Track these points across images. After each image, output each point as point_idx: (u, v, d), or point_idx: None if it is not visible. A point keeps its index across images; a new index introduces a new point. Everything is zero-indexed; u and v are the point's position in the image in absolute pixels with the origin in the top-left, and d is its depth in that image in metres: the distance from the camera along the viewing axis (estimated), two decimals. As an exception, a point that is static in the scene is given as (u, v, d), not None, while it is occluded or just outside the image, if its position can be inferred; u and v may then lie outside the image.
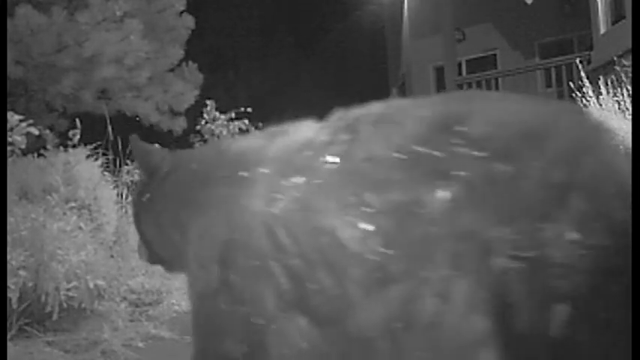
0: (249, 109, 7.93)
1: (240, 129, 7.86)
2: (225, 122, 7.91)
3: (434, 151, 1.19)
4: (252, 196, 1.36)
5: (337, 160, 1.30)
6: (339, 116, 1.45)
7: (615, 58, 6.40)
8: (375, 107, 1.40)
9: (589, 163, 1.16)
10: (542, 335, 1.12)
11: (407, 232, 1.18)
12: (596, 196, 1.13)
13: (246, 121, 7.98)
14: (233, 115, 7.99)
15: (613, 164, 1.22)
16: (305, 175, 1.32)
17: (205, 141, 7.92)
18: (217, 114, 7.94)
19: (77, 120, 5.66)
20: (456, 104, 1.35)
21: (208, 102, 8.00)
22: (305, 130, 1.46)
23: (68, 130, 5.65)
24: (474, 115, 1.23)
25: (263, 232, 1.31)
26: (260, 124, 7.95)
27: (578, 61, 7.04)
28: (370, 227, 1.20)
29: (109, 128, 5.82)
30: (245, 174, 1.41)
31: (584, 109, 1.56)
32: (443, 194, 1.16)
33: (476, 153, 1.16)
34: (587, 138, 1.23)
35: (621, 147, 1.33)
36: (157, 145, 1.85)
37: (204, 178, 1.55)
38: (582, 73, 5.93)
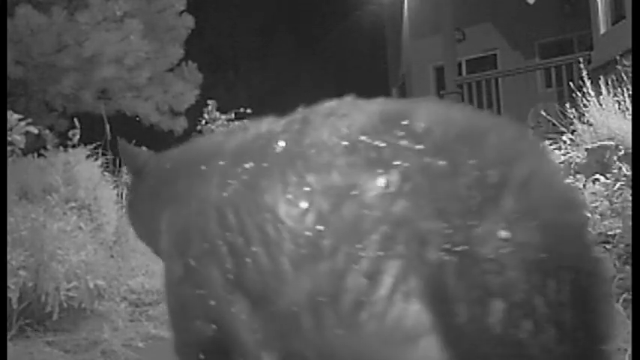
0: (248, 110, 7.92)
1: None
2: (226, 122, 7.90)
3: (376, 141, 1.27)
4: (209, 185, 1.47)
5: (285, 144, 1.40)
6: (299, 111, 1.56)
7: (618, 57, 6.40)
8: (331, 103, 1.51)
9: (522, 167, 1.22)
10: (484, 330, 1.16)
11: (342, 213, 1.25)
12: (527, 197, 1.19)
13: (246, 122, 7.95)
14: (233, 115, 7.98)
15: (544, 169, 1.29)
16: (255, 160, 1.42)
17: (205, 141, 7.90)
18: (218, 114, 7.94)
19: (77, 120, 5.66)
20: (404, 103, 1.44)
21: (209, 102, 8.00)
22: (263, 124, 1.56)
23: (68, 130, 5.65)
24: (418, 112, 1.32)
25: (215, 216, 1.43)
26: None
27: (578, 60, 7.04)
28: (307, 205, 1.29)
29: (107, 128, 5.81)
30: (204, 167, 1.54)
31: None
32: (380, 181, 1.24)
33: (416, 146, 1.24)
34: (520, 144, 1.30)
35: (551, 157, 1.42)
36: (143, 148, 1.96)
37: (173, 175, 1.68)
38: (583, 73, 5.93)
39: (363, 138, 1.30)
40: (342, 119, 1.38)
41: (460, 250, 1.15)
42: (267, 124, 1.56)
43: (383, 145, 1.27)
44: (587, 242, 1.24)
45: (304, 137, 1.39)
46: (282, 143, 1.41)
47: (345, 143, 1.31)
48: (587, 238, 1.26)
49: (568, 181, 1.40)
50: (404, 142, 1.26)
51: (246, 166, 1.42)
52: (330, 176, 1.29)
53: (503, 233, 1.15)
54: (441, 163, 1.21)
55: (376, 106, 1.40)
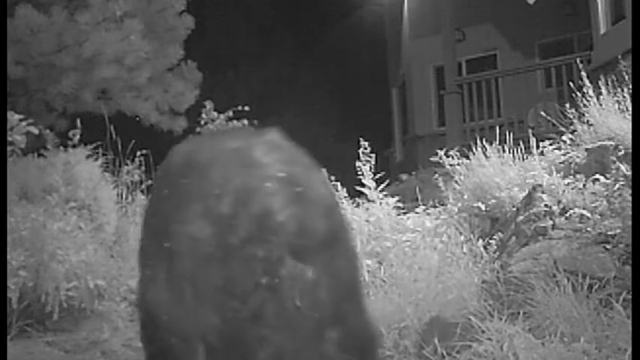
0: (246, 108, 7.92)
1: None
2: (225, 122, 7.90)
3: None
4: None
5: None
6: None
7: (620, 56, 6.40)
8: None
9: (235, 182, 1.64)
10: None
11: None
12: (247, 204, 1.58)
13: (245, 121, 7.96)
14: (231, 114, 7.98)
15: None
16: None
17: (205, 141, 7.89)
18: (216, 114, 7.93)
19: (77, 120, 5.66)
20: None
21: (206, 103, 7.99)
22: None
23: (68, 130, 5.65)
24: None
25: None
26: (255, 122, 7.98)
27: (578, 61, 7.03)
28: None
29: (111, 128, 5.81)
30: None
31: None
32: None
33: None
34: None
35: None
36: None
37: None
38: (582, 73, 5.92)
39: None
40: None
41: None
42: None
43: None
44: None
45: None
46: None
47: None
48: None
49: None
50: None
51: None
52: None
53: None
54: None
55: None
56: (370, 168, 5.28)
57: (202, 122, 7.94)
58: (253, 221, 1.56)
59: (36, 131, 4.41)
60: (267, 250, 1.55)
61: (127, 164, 5.77)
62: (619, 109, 5.26)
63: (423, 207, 5.53)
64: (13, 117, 4.15)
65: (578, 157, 5.08)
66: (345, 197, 5.35)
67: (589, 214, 4.08)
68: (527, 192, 4.74)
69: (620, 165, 4.29)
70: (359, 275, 1.85)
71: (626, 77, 5.32)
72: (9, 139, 4.11)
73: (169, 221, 1.62)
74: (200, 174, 1.63)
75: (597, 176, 4.44)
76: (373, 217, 5.23)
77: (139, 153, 5.86)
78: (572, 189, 4.54)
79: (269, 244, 1.55)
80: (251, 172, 1.63)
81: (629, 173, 3.95)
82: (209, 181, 1.63)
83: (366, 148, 5.31)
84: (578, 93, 5.68)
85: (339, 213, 1.77)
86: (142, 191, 5.65)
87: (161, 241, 1.61)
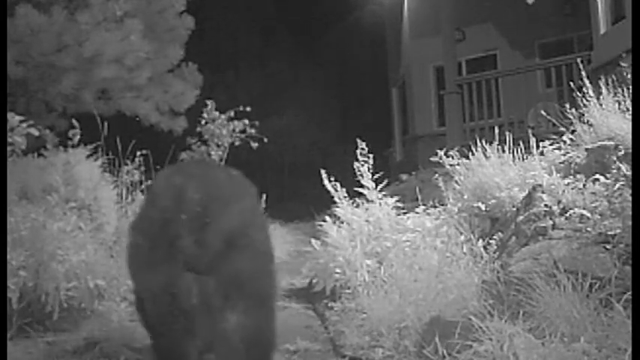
0: (248, 109, 7.92)
1: (241, 131, 7.87)
2: (225, 122, 7.90)
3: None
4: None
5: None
6: None
7: (621, 56, 6.39)
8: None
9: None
10: None
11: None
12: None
13: (246, 121, 7.97)
14: (232, 114, 7.98)
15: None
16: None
17: (205, 141, 7.91)
18: (217, 114, 7.93)
19: (76, 120, 5.65)
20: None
21: (208, 102, 7.99)
22: None
23: (68, 130, 5.65)
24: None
25: None
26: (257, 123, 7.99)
27: (578, 61, 7.03)
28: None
29: (104, 127, 5.79)
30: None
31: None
32: None
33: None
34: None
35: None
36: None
37: None
38: (582, 73, 5.92)
39: None
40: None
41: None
42: None
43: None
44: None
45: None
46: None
47: None
48: None
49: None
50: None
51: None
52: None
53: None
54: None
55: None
56: (368, 168, 5.28)
57: (203, 122, 7.94)
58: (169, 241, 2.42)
59: (36, 133, 4.41)
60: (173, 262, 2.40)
61: (126, 164, 5.77)
62: (619, 109, 5.25)
63: (423, 207, 5.53)
64: (13, 118, 4.15)
65: (578, 157, 5.07)
66: (345, 197, 5.35)
67: (589, 214, 4.08)
68: (527, 192, 4.74)
69: (621, 165, 4.29)
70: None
71: (627, 77, 5.31)
72: (9, 139, 4.11)
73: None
74: (153, 200, 2.67)
75: (597, 176, 4.43)
76: (373, 217, 5.23)
77: (138, 153, 5.86)
78: (572, 189, 4.53)
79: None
80: (179, 206, 2.41)
81: (629, 173, 3.95)
82: (157, 208, 2.51)
83: (363, 149, 5.30)
84: (578, 93, 5.68)
85: (247, 238, 2.50)
86: (141, 191, 5.65)
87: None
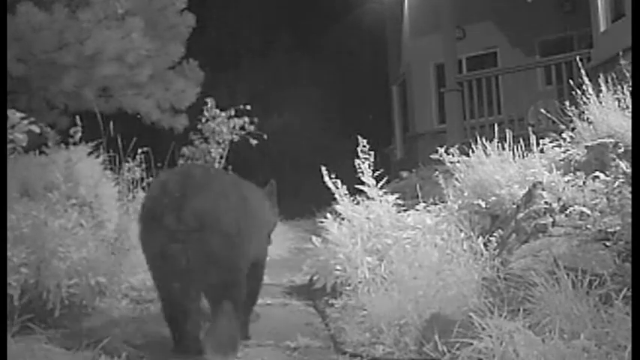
0: (248, 107, 7.93)
1: (241, 128, 7.88)
2: (226, 119, 7.92)
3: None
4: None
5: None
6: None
7: (620, 54, 6.39)
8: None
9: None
10: None
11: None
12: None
13: (246, 118, 7.98)
14: (233, 112, 7.99)
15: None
16: None
17: (206, 139, 7.92)
18: (217, 111, 7.94)
19: (78, 118, 5.66)
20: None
21: (208, 100, 8.00)
22: None
23: (69, 128, 5.65)
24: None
25: None
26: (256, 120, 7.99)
27: (578, 58, 7.03)
28: None
29: (106, 125, 5.80)
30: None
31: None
32: None
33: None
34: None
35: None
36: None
37: None
38: (582, 71, 5.93)
39: None
40: None
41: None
42: None
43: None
44: None
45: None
46: None
47: None
48: None
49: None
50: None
51: None
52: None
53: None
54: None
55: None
56: (369, 166, 5.29)
57: (204, 119, 7.95)
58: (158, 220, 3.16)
59: (37, 130, 4.41)
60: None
61: (127, 162, 5.78)
62: (619, 106, 5.26)
63: (424, 204, 5.54)
64: (14, 115, 4.15)
65: (578, 154, 5.08)
66: (346, 194, 5.36)
67: (589, 212, 4.09)
68: (527, 189, 4.75)
69: (620, 162, 4.29)
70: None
71: (626, 75, 5.32)
72: (10, 137, 4.12)
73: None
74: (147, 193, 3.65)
75: (597, 173, 4.44)
76: (374, 215, 5.24)
77: (140, 150, 5.87)
78: (572, 186, 4.54)
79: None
80: (164, 193, 3.17)
81: (629, 170, 3.95)
82: (149, 198, 3.47)
83: (364, 146, 5.31)
84: (578, 90, 5.68)
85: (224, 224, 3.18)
86: (142, 188, 5.66)
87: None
